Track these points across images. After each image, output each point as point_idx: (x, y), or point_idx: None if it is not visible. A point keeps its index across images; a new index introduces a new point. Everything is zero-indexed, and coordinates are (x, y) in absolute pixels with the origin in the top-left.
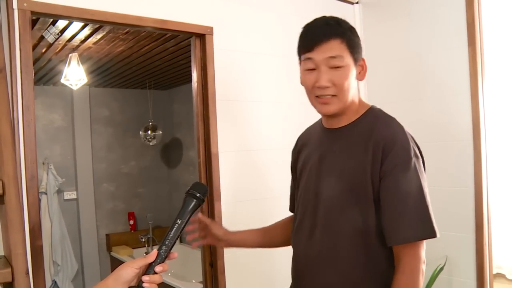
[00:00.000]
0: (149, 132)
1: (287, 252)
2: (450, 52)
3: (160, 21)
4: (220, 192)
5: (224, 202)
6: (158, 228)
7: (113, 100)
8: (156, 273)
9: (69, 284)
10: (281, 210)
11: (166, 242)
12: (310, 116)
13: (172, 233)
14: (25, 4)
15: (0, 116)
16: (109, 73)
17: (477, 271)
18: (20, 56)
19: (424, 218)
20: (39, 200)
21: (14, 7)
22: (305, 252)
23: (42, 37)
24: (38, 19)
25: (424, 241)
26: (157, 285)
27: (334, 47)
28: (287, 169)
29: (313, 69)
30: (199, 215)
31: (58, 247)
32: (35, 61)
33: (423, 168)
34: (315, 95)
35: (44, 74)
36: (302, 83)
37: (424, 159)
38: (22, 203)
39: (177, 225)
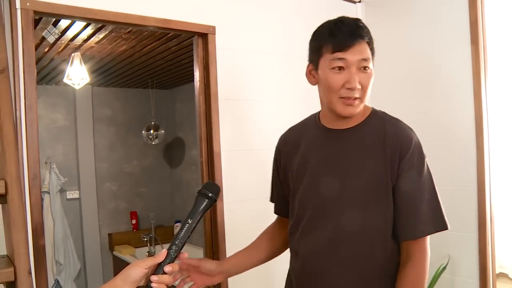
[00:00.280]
0: (152, 131)
1: (288, 251)
2: (453, 51)
3: (163, 20)
4: (222, 191)
5: (226, 201)
6: (160, 228)
7: (115, 99)
8: (166, 273)
9: (71, 284)
10: None
11: (176, 242)
12: None
13: (182, 233)
14: (28, 4)
15: (3, 116)
16: (111, 73)
17: (479, 271)
18: (23, 55)
19: (438, 213)
20: (42, 199)
21: (17, 7)
22: (317, 253)
23: (44, 37)
24: (40, 19)
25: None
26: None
27: (365, 50)
28: None
29: (341, 69)
30: (185, 259)
31: (60, 246)
32: (37, 61)
33: None
34: (340, 96)
35: (47, 73)
36: (325, 82)
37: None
38: (25, 203)
39: (187, 224)
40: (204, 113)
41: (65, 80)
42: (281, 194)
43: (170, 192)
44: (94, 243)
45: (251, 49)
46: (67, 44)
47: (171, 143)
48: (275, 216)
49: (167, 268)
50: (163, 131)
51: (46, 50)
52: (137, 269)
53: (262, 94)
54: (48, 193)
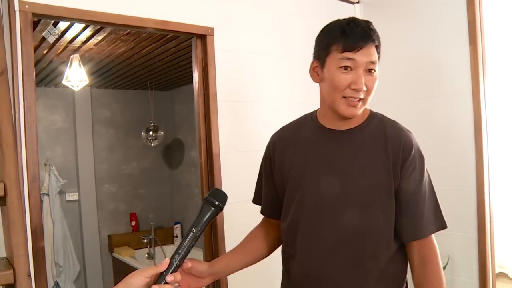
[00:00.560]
0: (151, 133)
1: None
2: (451, 51)
3: (161, 22)
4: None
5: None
6: (160, 229)
7: (114, 101)
8: (167, 283)
9: (71, 285)
10: None
11: (179, 251)
12: None
13: (186, 242)
14: (27, 6)
15: (1, 118)
16: (110, 74)
17: (479, 271)
18: (22, 57)
19: (438, 212)
20: (41, 201)
21: (15, 9)
22: (318, 255)
23: (43, 39)
24: (39, 21)
25: None
26: None
27: (374, 53)
28: None
29: (349, 69)
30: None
31: (60, 248)
32: (36, 63)
33: None
34: (344, 95)
35: (46, 75)
36: (331, 81)
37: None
38: (24, 205)
39: (191, 233)
40: (203, 114)
41: (64, 82)
42: (273, 194)
43: (170, 193)
44: (94, 244)
45: (250, 51)
46: (66, 46)
47: (170, 144)
48: None
49: (169, 278)
50: (162, 133)
51: (45, 52)
52: (138, 278)
53: (261, 95)
54: (48, 195)
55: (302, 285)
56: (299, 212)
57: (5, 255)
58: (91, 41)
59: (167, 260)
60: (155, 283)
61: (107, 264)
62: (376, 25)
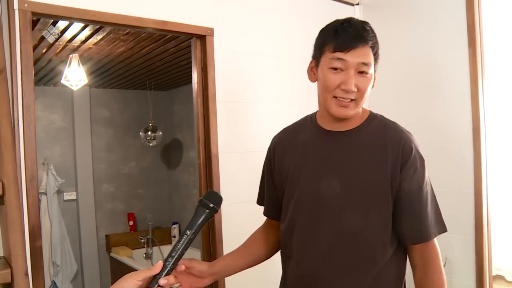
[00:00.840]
0: (149, 133)
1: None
2: (450, 54)
3: (161, 22)
4: (220, 193)
5: (223, 203)
6: (158, 229)
7: (113, 101)
8: (161, 286)
9: (68, 285)
10: None
11: (173, 254)
12: None
13: (180, 244)
14: (26, 5)
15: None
16: (109, 74)
17: (476, 273)
18: (21, 56)
19: (439, 215)
20: (39, 200)
21: (14, 8)
22: (315, 257)
23: (42, 38)
24: (38, 20)
25: None
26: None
27: (367, 54)
28: None
29: (339, 70)
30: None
31: (57, 247)
32: (35, 62)
33: None
34: (334, 96)
35: (45, 74)
36: (322, 81)
37: None
38: (22, 204)
39: (185, 236)
40: (202, 115)
41: (63, 81)
42: (273, 195)
43: (168, 193)
44: (91, 244)
45: (249, 51)
46: (65, 45)
47: (169, 144)
48: None
49: (162, 281)
50: (161, 133)
51: (44, 51)
52: (131, 281)
53: (260, 96)
54: (46, 194)
55: (298, 286)
56: (296, 213)
57: (2, 254)
58: (90, 40)
59: (161, 263)
60: (148, 286)
61: (105, 264)
62: (376, 27)
